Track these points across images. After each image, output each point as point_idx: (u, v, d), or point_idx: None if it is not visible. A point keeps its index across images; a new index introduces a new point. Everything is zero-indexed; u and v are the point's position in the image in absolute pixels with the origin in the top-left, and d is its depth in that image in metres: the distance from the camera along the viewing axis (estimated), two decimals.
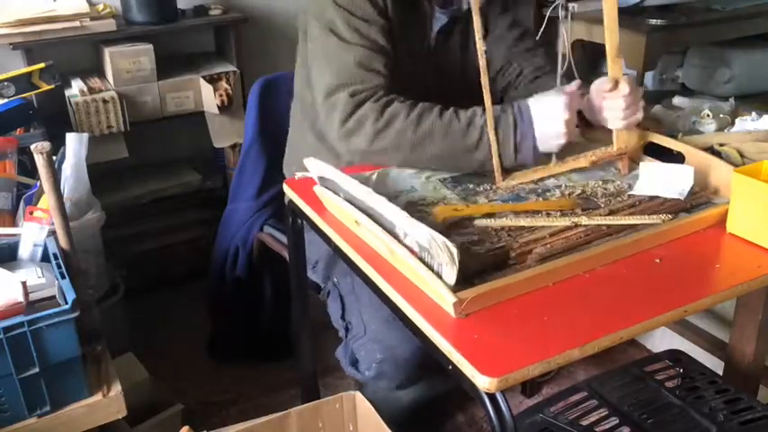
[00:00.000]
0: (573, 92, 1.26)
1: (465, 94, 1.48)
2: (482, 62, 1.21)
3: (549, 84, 1.41)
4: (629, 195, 1.21)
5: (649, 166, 1.24)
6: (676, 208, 1.16)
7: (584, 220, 1.10)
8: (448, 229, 1.12)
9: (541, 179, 1.29)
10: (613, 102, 1.26)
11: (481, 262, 1.00)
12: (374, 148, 1.27)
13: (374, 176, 1.26)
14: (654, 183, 1.21)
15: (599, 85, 1.28)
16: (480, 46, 1.21)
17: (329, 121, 1.30)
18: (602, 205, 1.19)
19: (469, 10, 1.35)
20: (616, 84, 1.25)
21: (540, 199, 1.22)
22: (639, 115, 1.27)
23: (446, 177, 1.31)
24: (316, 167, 1.18)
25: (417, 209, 1.19)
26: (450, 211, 1.16)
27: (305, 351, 1.57)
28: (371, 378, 1.37)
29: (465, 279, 0.95)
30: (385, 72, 1.32)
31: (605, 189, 1.25)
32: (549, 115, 1.24)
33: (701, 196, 1.20)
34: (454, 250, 0.89)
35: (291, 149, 1.62)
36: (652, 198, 1.20)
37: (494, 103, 1.25)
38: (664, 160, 1.28)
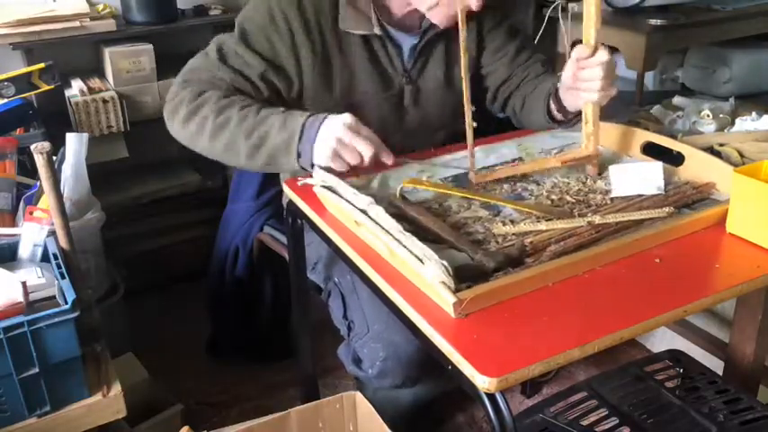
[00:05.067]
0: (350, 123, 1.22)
1: (446, 111, 1.50)
2: (465, 83, 1.20)
3: (548, 83, 1.41)
4: (612, 198, 1.20)
5: (618, 168, 1.24)
6: (679, 203, 1.17)
7: (597, 219, 1.10)
8: (455, 229, 1.11)
9: (524, 176, 1.29)
10: (591, 71, 1.20)
11: (498, 260, 1.00)
12: (186, 130, 1.33)
13: (375, 182, 1.27)
14: (628, 183, 1.21)
15: (577, 54, 1.22)
16: (465, 74, 1.20)
17: None
18: (599, 203, 1.19)
19: (449, 27, 1.35)
20: (594, 52, 1.20)
21: (539, 196, 1.23)
22: (614, 90, 1.23)
23: (447, 176, 1.31)
24: (319, 174, 1.19)
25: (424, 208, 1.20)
26: (416, 183, 1.22)
27: (305, 351, 1.57)
28: (374, 376, 1.38)
29: (483, 276, 0.96)
30: (223, 81, 1.33)
31: (593, 187, 1.25)
32: (323, 137, 1.22)
33: (702, 191, 1.20)
34: (442, 269, 0.90)
35: None
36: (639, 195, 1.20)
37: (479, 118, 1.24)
38: (664, 160, 1.28)
